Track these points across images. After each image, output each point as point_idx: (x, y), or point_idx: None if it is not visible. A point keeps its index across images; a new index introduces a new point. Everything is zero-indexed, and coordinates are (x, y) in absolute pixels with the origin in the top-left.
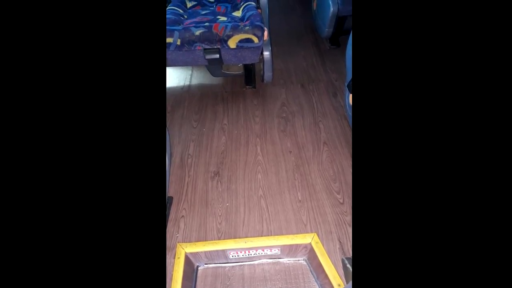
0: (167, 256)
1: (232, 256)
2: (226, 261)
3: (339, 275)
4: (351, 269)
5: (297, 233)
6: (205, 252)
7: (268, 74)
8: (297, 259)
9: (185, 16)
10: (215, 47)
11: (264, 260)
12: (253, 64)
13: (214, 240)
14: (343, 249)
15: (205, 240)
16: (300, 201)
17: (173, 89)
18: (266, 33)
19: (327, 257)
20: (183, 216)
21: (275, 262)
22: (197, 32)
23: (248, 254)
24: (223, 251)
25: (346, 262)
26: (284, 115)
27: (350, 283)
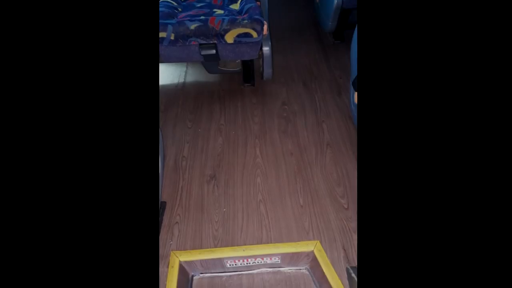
0: (160, 265)
1: (230, 265)
2: (223, 270)
3: (343, 285)
4: (356, 279)
5: (299, 241)
6: (200, 260)
7: (267, 71)
8: (298, 268)
9: (179, 9)
10: (211, 42)
11: (263, 269)
12: (251, 61)
13: (210, 248)
14: (347, 258)
15: (201, 248)
16: (302, 206)
17: (167, 87)
18: (265, 27)
19: (331, 266)
20: (177, 222)
21: (275, 272)
22: (192, 26)
23: (247, 263)
24: (220, 259)
25: (351, 271)
26: (285, 114)
27: None
